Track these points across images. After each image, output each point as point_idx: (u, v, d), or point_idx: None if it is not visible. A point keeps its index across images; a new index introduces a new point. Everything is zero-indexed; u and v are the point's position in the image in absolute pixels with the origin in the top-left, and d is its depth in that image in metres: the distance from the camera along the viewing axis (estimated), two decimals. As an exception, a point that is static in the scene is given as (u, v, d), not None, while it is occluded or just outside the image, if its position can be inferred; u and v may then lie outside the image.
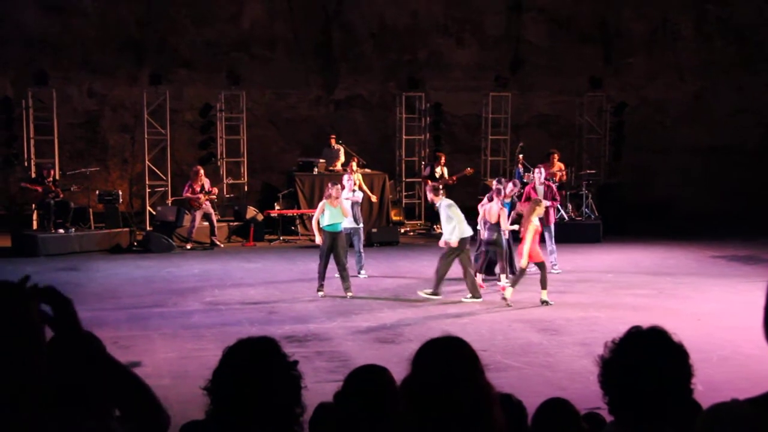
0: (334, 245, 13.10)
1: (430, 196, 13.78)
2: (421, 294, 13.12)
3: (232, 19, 21.91)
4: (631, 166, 22.78)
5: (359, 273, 14.71)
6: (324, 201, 13.30)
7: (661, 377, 2.55)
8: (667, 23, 24.06)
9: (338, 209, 13.24)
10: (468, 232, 13.05)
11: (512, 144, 21.30)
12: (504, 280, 13.67)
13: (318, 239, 13.30)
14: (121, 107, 21.36)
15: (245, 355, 2.75)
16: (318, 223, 13.43)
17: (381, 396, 3.27)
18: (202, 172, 18.72)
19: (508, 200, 14.26)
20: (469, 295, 12.97)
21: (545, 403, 4.25)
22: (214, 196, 18.84)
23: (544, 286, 12.78)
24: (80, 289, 13.88)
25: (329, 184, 13.59)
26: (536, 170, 15.79)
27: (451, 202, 13.36)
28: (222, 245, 18.40)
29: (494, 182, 14.52)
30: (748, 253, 17.35)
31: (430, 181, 19.66)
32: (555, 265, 15.13)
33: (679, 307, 12.46)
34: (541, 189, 15.37)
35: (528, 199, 15.20)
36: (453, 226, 12.95)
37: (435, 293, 13.07)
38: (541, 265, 12.82)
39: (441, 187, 14.15)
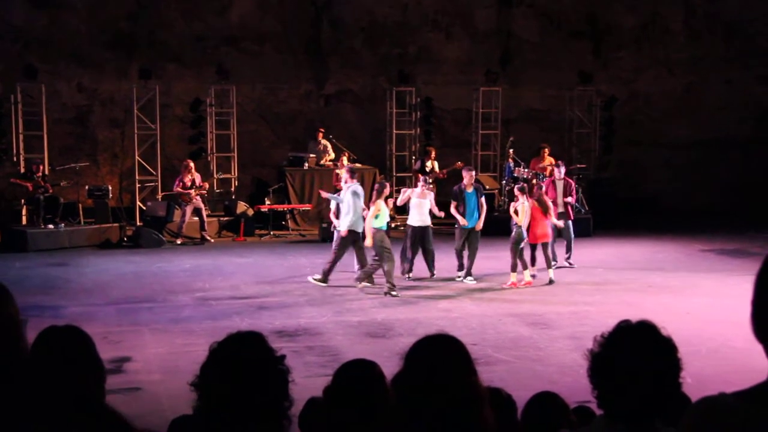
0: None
1: (345, 176, 13.99)
2: (311, 280, 13.61)
3: (222, 13, 21.84)
4: (621, 161, 22.83)
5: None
6: (379, 201, 13.27)
7: (650, 371, 2.56)
8: (657, 17, 24.09)
9: (387, 208, 13.55)
10: (359, 227, 13.47)
11: (503, 138, 21.31)
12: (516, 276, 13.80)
13: (369, 241, 13.18)
14: (110, 102, 21.26)
15: (232, 350, 2.75)
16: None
17: (370, 391, 3.28)
18: (192, 165, 18.70)
19: (469, 190, 14.19)
20: (319, 276, 13.64)
21: (535, 397, 4.26)
22: (205, 191, 18.81)
23: (548, 265, 13.79)
24: (70, 284, 13.87)
25: (377, 185, 13.71)
26: (556, 168, 15.71)
27: (358, 191, 13.69)
28: (212, 240, 18.37)
29: (516, 190, 14.22)
30: (737, 246, 17.41)
31: (421, 176, 19.68)
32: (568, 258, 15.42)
33: (669, 301, 12.52)
34: (560, 184, 15.36)
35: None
36: (348, 214, 13.46)
37: (323, 279, 13.60)
38: (540, 246, 13.88)
39: (356, 171, 14.72)
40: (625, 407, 2.60)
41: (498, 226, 17.03)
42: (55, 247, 16.96)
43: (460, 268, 14.28)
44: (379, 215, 13.21)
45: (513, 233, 13.67)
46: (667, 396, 2.59)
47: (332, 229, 14.72)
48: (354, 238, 13.56)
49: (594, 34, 23.87)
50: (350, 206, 13.49)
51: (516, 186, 14.52)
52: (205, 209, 18.66)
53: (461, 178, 14.56)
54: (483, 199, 14.32)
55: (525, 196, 13.81)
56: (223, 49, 21.61)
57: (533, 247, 14.32)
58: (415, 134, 21.93)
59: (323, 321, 11.50)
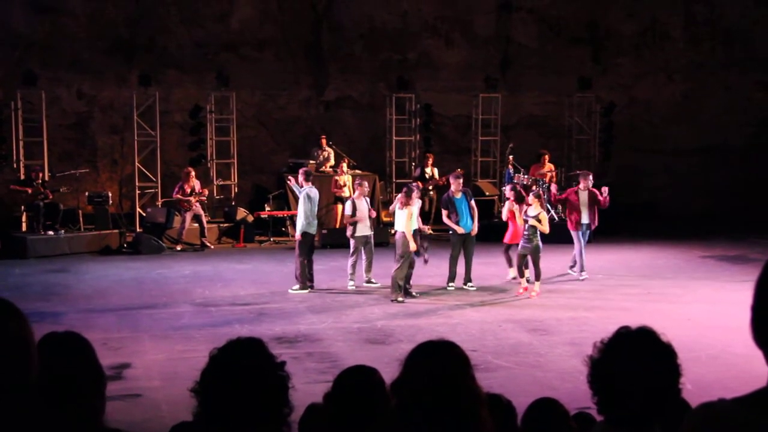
0: None
1: (301, 178, 14.06)
2: (291, 291, 13.58)
3: (222, 19, 21.86)
4: (621, 166, 22.83)
5: (358, 282, 14.41)
6: (410, 207, 13.22)
7: (650, 377, 2.56)
8: (656, 24, 24.13)
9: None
10: (311, 229, 13.70)
11: (502, 145, 21.31)
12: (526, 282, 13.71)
13: (413, 245, 13.07)
14: (110, 108, 21.28)
15: (232, 356, 2.75)
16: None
17: (370, 397, 3.28)
18: (193, 173, 18.72)
19: (458, 196, 14.05)
20: (297, 286, 13.68)
21: (535, 403, 4.26)
22: (204, 198, 18.82)
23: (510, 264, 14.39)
24: (70, 290, 13.86)
25: (405, 188, 13.63)
26: (582, 178, 15.39)
27: (312, 194, 13.77)
28: (212, 246, 18.37)
29: (532, 197, 13.87)
30: (737, 252, 17.42)
31: (420, 182, 19.68)
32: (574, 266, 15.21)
33: (669, 307, 12.51)
34: (584, 195, 15.01)
35: (561, 201, 15.42)
36: (301, 218, 13.62)
37: (303, 287, 13.65)
38: (514, 246, 14.03)
39: (313, 173, 14.75)
40: (625, 413, 2.60)
41: (498, 232, 17.03)
42: (55, 253, 16.95)
43: (451, 278, 14.04)
44: (412, 218, 13.18)
45: (534, 243, 13.28)
46: (667, 402, 2.59)
47: (348, 235, 14.47)
48: (309, 241, 13.69)
49: (593, 40, 23.90)
50: (302, 210, 13.66)
51: (531, 193, 14.13)
52: (205, 216, 18.66)
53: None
54: (473, 202, 14.15)
55: (539, 202, 13.64)
56: (222, 56, 21.63)
57: (508, 247, 14.42)
58: (414, 140, 21.93)
59: (323, 327, 11.50)
